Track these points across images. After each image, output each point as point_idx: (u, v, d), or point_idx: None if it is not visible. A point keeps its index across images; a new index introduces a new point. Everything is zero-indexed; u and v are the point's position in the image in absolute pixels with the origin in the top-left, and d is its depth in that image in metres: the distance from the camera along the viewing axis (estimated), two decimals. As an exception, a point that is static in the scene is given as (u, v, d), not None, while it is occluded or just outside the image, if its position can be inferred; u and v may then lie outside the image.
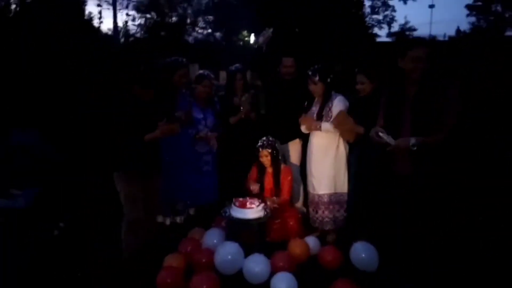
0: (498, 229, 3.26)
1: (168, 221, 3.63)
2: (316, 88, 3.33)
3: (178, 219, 3.68)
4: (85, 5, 11.00)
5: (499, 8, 15.73)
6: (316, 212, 3.40)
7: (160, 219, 3.55)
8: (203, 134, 3.56)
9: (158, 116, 2.90)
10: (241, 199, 3.16)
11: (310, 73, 3.32)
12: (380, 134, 2.55)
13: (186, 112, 3.39)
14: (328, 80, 3.31)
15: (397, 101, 2.67)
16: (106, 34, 13.39)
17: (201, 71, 3.77)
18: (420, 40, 2.84)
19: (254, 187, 3.46)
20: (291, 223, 3.30)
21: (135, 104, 2.87)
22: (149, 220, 3.16)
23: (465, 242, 3.12)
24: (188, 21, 16.44)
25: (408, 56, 2.56)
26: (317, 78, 3.29)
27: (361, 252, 2.89)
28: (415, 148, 2.42)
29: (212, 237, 3.13)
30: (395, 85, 2.74)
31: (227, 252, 2.79)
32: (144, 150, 2.88)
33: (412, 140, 2.44)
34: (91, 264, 2.98)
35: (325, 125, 3.28)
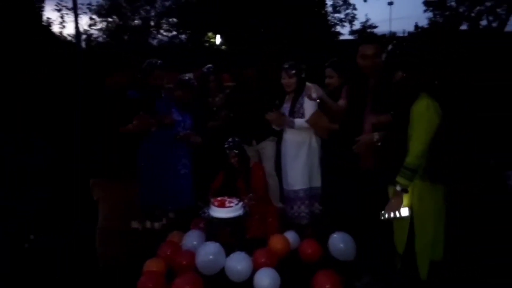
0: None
1: (141, 227, 3.57)
2: (290, 82, 3.37)
3: (156, 225, 3.63)
4: (43, 10, 10.57)
5: (453, 3, 16.46)
6: (292, 208, 3.44)
7: (135, 224, 3.49)
8: (183, 134, 3.55)
9: (132, 112, 2.83)
10: (219, 198, 3.17)
11: (286, 66, 3.37)
12: None
13: (166, 117, 3.37)
14: (302, 75, 3.37)
15: (357, 95, 2.76)
16: (65, 40, 12.94)
17: (184, 76, 3.76)
18: (368, 37, 2.92)
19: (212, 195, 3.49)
20: (270, 219, 3.34)
21: (109, 101, 2.80)
22: (126, 227, 3.11)
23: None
24: (152, 23, 16.17)
25: (358, 53, 2.66)
26: (293, 71, 3.34)
27: (339, 243, 2.97)
28: (379, 143, 2.48)
29: (191, 239, 3.13)
30: (355, 79, 2.82)
31: (208, 253, 2.80)
32: (121, 155, 2.83)
33: (376, 136, 2.50)
34: (67, 276, 2.89)
35: (299, 122, 3.33)
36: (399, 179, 2.07)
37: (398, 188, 2.08)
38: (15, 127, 4.43)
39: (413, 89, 2.12)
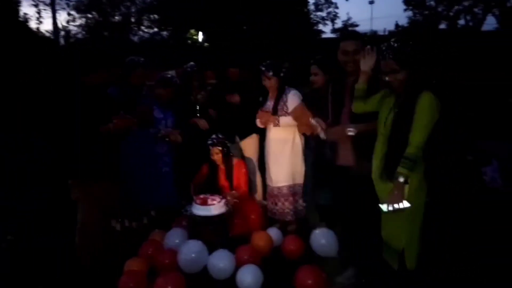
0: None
1: (118, 227, 3.52)
2: (271, 82, 3.38)
3: (134, 224, 3.59)
4: (20, 5, 10.24)
5: (433, 2, 16.79)
6: (276, 204, 3.47)
7: (114, 224, 3.45)
8: (165, 132, 3.50)
9: (112, 110, 2.77)
10: (201, 196, 3.15)
11: (263, 68, 3.36)
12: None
13: (145, 109, 3.30)
14: (281, 74, 3.37)
15: (338, 91, 2.78)
16: (44, 36, 12.59)
17: (166, 74, 3.71)
18: (349, 33, 2.89)
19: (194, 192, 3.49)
20: (253, 216, 3.34)
21: (88, 100, 2.74)
22: (107, 226, 3.06)
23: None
24: (133, 20, 15.91)
25: (339, 49, 2.68)
26: (270, 73, 3.34)
27: (321, 239, 2.99)
28: (351, 133, 2.50)
29: (173, 237, 3.10)
30: (338, 76, 2.84)
31: (190, 251, 2.77)
32: (102, 155, 2.77)
33: (351, 129, 2.52)
34: (49, 275, 2.82)
35: (284, 120, 3.34)
36: (401, 169, 2.07)
37: (401, 179, 2.08)
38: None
39: (413, 88, 2.13)
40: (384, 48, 2.19)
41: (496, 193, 3.40)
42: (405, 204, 2.09)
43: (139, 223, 3.58)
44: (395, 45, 2.15)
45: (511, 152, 3.78)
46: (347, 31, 15.87)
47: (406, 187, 2.12)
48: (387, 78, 2.18)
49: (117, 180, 3.01)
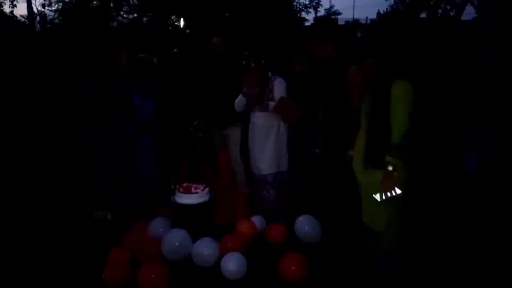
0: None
1: (109, 216, 3.48)
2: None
3: (122, 210, 3.56)
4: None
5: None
6: (261, 192, 3.48)
7: (96, 215, 3.40)
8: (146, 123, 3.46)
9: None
10: (185, 184, 3.14)
11: (243, 62, 3.33)
12: None
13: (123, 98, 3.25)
14: (262, 61, 3.35)
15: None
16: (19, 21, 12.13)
17: (141, 55, 3.64)
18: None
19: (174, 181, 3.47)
20: (237, 204, 3.35)
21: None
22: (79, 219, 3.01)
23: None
24: (111, 5, 15.43)
25: None
26: (252, 64, 3.31)
27: (305, 225, 3.03)
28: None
29: (157, 226, 3.07)
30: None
31: (174, 239, 2.77)
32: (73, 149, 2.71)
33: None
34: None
35: (272, 105, 3.33)
36: (388, 158, 2.11)
37: (390, 167, 2.11)
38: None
39: (383, 76, 2.16)
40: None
41: (476, 183, 3.49)
42: (397, 191, 2.12)
43: (125, 211, 3.55)
44: (359, 36, 2.20)
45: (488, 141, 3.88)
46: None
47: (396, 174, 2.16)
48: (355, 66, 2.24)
49: (87, 174, 2.95)
